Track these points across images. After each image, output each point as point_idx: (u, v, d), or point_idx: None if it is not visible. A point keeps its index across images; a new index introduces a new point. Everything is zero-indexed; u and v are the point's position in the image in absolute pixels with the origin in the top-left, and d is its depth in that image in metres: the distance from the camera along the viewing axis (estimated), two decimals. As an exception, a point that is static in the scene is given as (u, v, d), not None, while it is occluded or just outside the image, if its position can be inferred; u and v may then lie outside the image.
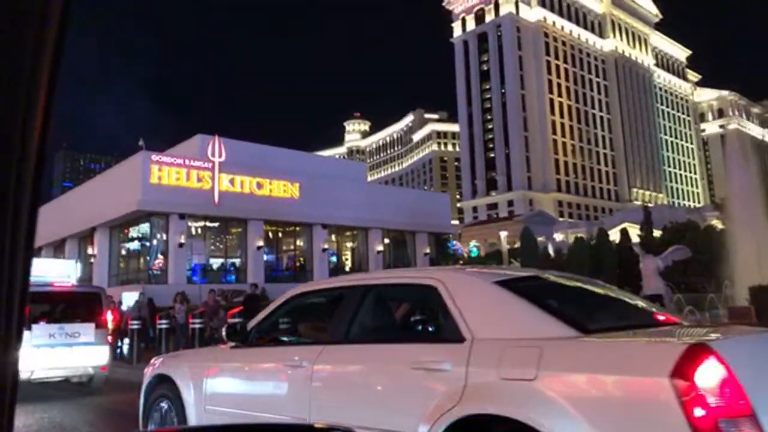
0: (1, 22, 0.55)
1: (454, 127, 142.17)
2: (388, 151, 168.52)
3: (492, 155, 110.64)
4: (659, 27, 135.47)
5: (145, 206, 23.58)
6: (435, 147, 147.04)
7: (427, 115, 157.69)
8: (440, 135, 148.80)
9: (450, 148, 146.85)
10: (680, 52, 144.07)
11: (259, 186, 26.76)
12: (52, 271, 10.38)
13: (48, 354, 9.13)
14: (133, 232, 26.78)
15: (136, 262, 26.98)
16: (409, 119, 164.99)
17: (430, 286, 3.29)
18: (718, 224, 47.45)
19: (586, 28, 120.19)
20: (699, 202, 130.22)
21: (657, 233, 48.31)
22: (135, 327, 12.49)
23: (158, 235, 25.52)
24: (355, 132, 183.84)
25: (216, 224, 27.38)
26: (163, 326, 12.90)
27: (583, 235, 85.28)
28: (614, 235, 62.83)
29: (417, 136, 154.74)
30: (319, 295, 4.62)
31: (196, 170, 24.91)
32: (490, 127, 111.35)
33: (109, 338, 10.20)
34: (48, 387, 9.93)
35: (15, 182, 0.60)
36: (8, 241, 0.60)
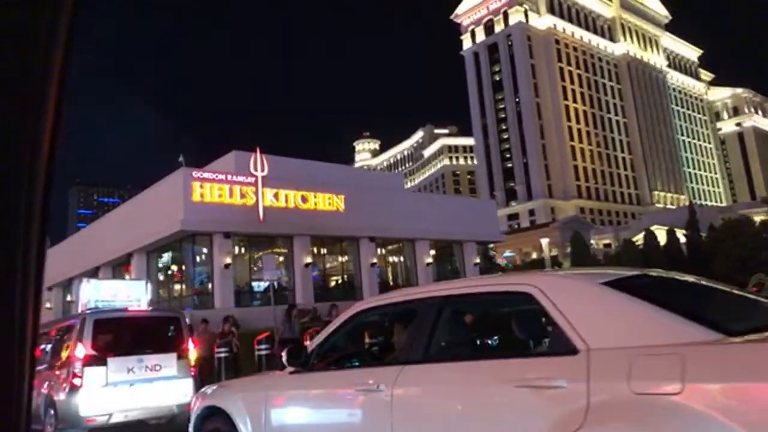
0: (9, 22, 0.53)
1: (465, 141, 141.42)
2: (400, 169, 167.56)
3: (510, 165, 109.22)
4: (669, 28, 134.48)
5: (188, 226, 22.04)
6: (446, 161, 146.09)
7: (437, 131, 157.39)
8: (451, 149, 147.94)
9: (462, 161, 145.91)
10: (691, 52, 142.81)
11: (304, 200, 25.21)
12: (120, 294, 8.81)
13: (127, 392, 7.53)
14: (174, 254, 25.22)
15: (178, 287, 25.39)
16: (419, 135, 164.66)
17: (524, 293, 2.99)
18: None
19: (596, 33, 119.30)
20: (721, 202, 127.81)
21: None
22: (223, 355, 10.74)
23: (200, 257, 23.97)
24: (365, 151, 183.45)
25: (258, 243, 25.81)
26: (222, 354, 11.22)
27: (610, 240, 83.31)
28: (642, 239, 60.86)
29: (428, 152, 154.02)
30: (385, 311, 4.19)
31: (239, 185, 23.41)
32: (506, 137, 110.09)
33: (192, 370, 8.49)
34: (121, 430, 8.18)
35: (26, 194, 0.59)
36: (19, 273, 0.60)
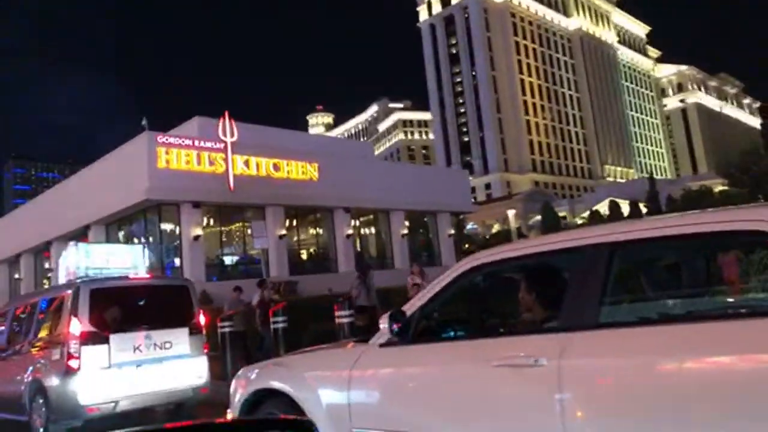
0: None
1: (420, 115, 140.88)
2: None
3: (466, 139, 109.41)
4: (619, 5, 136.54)
5: (154, 195, 20.42)
6: (401, 136, 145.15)
7: (391, 105, 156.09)
8: (406, 123, 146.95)
9: (417, 136, 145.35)
10: (640, 29, 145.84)
11: (276, 168, 23.84)
12: (115, 260, 7.52)
13: (133, 375, 6.34)
14: (136, 226, 23.47)
15: (142, 262, 23.73)
16: (373, 109, 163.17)
17: (753, 232, 2.24)
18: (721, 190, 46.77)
19: (550, 7, 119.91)
20: (667, 175, 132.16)
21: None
22: (228, 330, 9.49)
23: (166, 228, 22.39)
24: (319, 125, 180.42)
25: (228, 213, 24.38)
26: (227, 330, 9.95)
27: (566, 213, 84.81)
28: (602, 210, 62.01)
29: (382, 126, 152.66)
30: (509, 266, 3.25)
31: (208, 152, 21.85)
32: (462, 110, 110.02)
33: (205, 347, 7.33)
34: (123, 419, 6.79)
35: None
36: None
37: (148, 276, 7.62)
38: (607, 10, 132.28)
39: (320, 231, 27.39)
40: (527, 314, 3.16)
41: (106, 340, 6.18)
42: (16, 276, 30.27)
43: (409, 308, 3.21)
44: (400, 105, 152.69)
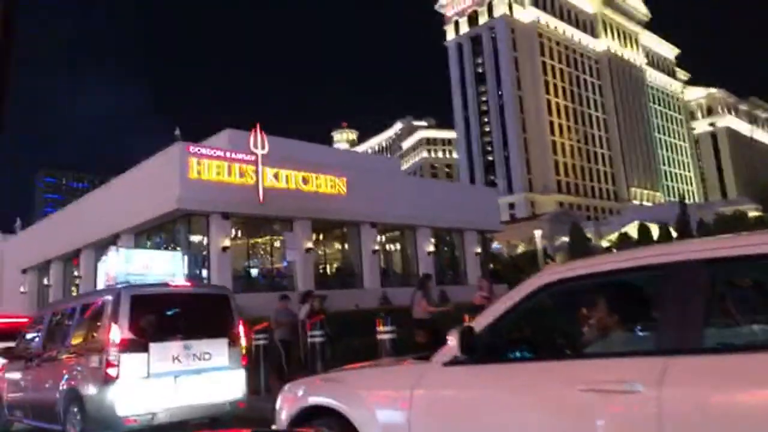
0: None
1: (444, 134, 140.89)
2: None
3: (491, 158, 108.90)
4: (649, 26, 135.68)
5: (184, 204, 20.46)
6: (425, 154, 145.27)
7: (415, 123, 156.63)
8: (429, 141, 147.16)
9: (440, 154, 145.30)
10: (669, 51, 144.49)
11: (305, 181, 23.79)
12: (154, 266, 7.36)
13: (171, 386, 6.12)
14: (165, 236, 23.54)
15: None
16: (397, 127, 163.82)
17: None
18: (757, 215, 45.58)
19: (578, 28, 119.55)
20: (695, 200, 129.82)
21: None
22: (262, 342, 9.25)
23: (195, 239, 22.41)
24: (342, 142, 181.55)
25: (256, 226, 24.35)
26: (261, 342, 9.70)
27: (591, 235, 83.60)
28: (630, 233, 60.85)
29: (406, 144, 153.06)
30: (592, 282, 2.96)
31: (239, 163, 21.88)
32: (487, 130, 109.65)
33: (243, 359, 7.06)
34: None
35: None
36: None
37: (188, 283, 7.45)
38: (635, 32, 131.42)
39: (346, 246, 27.21)
40: (605, 334, 2.91)
41: (145, 349, 6.00)
42: (46, 282, 30.58)
43: (477, 325, 2.98)
44: (424, 123, 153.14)
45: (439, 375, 3.04)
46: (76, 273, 27.64)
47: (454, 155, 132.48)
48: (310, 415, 3.56)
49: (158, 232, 23.61)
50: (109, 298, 6.31)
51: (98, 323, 6.33)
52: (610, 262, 2.96)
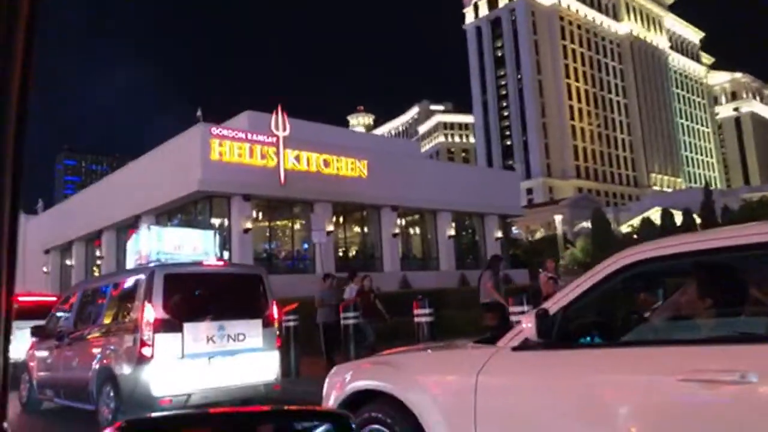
0: None
1: (461, 118, 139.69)
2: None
3: (509, 143, 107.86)
4: (673, 9, 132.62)
5: (206, 186, 20.41)
6: (441, 138, 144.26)
7: (432, 107, 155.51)
8: (446, 126, 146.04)
9: (457, 139, 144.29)
10: (694, 35, 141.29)
11: (326, 164, 23.62)
12: (185, 246, 7.22)
13: (205, 367, 5.99)
14: (187, 217, 23.54)
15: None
16: (414, 111, 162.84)
17: None
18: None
19: (600, 11, 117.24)
20: (717, 186, 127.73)
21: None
22: (292, 323, 9.13)
23: (216, 221, 22.38)
24: (359, 126, 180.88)
25: (277, 208, 24.27)
26: (291, 323, 9.50)
27: (611, 221, 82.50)
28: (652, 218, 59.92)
29: (423, 128, 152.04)
30: (683, 262, 2.69)
31: (260, 145, 21.74)
32: (506, 114, 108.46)
33: (277, 341, 6.91)
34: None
35: None
36: None
37: (221, 263, 7.30)
38: (659, 15, 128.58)
39: (366, 229, 27.05)
40: (698, 319, 2.68)
41: (180, 329, 5.87)
42: (68, 262, 30.89)
43: (552, 307, 2.75)
44: (441, 107, 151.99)
45: (508, 360, 2.83)
46: (98, 253, 27.84)
47: (471, 140, 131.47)
48: (361, 398, 3.40)
49: (179, 213, 23.62)
50: (143, 277, 6.18)
51: (131, 302, 6.22)
52: (709, 240, 2.68)
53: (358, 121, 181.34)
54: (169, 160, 22.69)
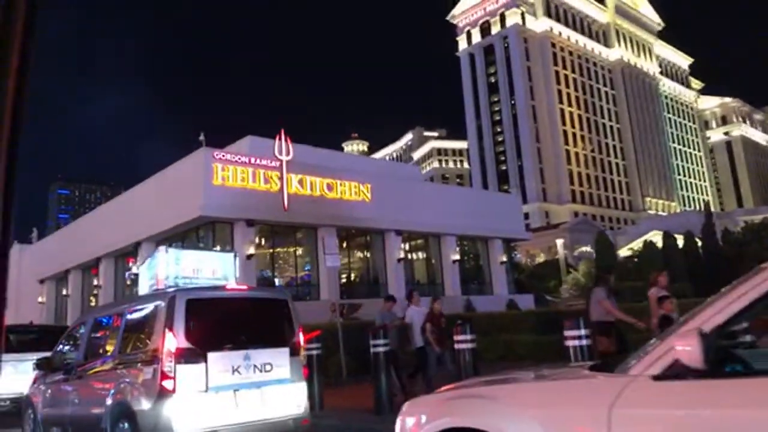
0: None
1: (455, 144, 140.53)
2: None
3: (504, 168, 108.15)
4: (662, 36, 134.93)
5: (208, 212, 19.97)
6: (436, 164, 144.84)
7: (426, 133, 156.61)
8: (440, 152, 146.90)
9: (451, 165, 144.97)
10: (683, 60, 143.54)
11: (330, 188, 23.25)
12: (204, 268, 6.79)
13: (230, 401, 5.47)
14: (188, 244, 22.98)
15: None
16: (408, 137, 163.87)
17: None
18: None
19: (591, 37, 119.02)
20: (712, 209, 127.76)
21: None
22: (315, 352, 8.61)
23: (219, 247, 21.86)
24: (353, 153, 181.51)
25: (280, 233, 23.80)
26: (314, 352, 8.99)
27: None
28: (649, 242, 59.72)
29: (417, 154, 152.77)
30: None
31: (263, 170, 21.38)
32: (500, 139, 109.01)
33: (304, 371, 6.33)
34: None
35: None
36: None
37: (245, 287, 6.84)
38: (648, 41, 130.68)
39: (370, 254, 26.58)
40: None
41: (204, 359, 5.38)
42: (64, 292, 30.16)
43: (704, 326, 2.26)
44: (435, 134, 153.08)
45: (651, 391, 2.35)
46: (95, 282, 27.18)
47: (465, 165, 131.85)
48: None
49: (181, 239, 23.10)
50: (162, 303, 5.70)
51: (149, 331, 5.72)
52: None
53: (353, 148, 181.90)
54: (170, 185, 22.27)
